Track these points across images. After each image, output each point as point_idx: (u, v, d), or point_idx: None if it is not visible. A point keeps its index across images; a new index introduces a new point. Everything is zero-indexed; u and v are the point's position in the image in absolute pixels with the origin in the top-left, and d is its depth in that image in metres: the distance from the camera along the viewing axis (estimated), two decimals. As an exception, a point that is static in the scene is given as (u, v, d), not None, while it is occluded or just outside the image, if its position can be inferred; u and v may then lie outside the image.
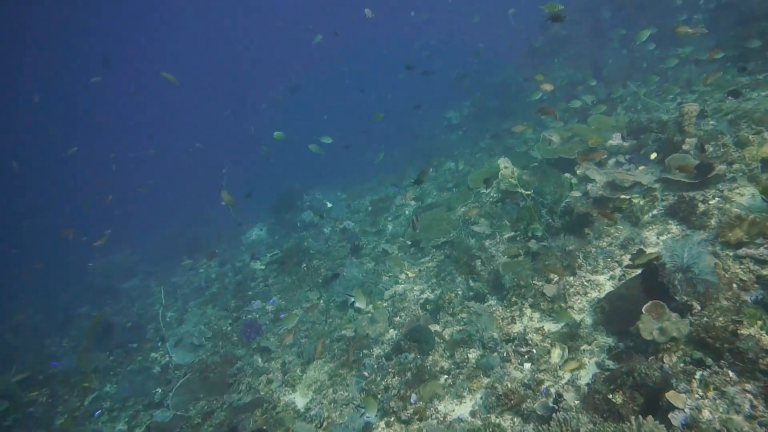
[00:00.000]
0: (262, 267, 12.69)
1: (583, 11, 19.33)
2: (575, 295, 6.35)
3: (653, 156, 7.88)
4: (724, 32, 12.85)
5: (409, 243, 10.79)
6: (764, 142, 6.67)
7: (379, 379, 6.55)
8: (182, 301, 12.79)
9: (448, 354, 6.57)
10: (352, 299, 7.83)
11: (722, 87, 9.81)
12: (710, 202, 6.33)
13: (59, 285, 18.08)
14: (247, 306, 10.68)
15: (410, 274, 9.62)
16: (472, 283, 7.87)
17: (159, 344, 10.36)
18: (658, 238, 6.46)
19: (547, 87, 9.36)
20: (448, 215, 10.85)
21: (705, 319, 4.39)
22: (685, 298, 4.69)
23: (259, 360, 8.52)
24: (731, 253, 5.23)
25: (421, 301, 8.32)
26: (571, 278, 6.62)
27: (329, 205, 17.32)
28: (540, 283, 6.77)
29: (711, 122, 8.17)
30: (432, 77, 15.76)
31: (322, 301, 9.72)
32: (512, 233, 8.56)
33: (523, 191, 9.35)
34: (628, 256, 6.41)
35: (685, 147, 7.19)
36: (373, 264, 10.69)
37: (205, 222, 22.44)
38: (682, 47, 12.80)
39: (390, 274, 9.81)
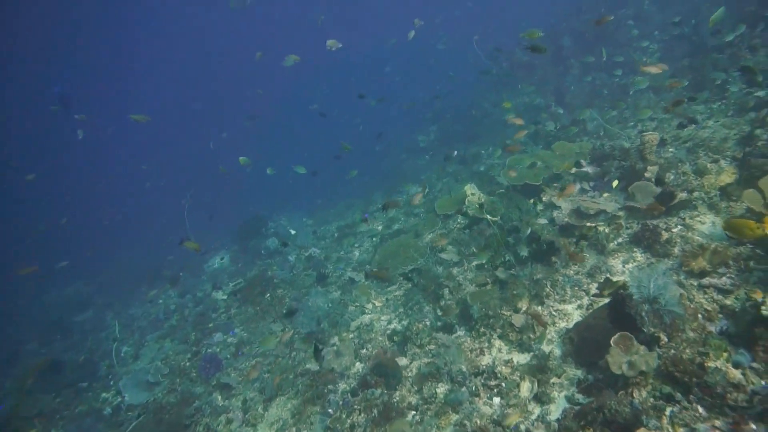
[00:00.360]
0: (224, 297, 12.31)
1: (544, 39, 19.82)
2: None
3: (615, 184, 8.00)
4: (677, 61, 13.37)
5: (376, 269, 10.64)
6: (722, 171, 6.84)
7: (344, 416, 6.31)
8: (139, 334, 12.25)
9: (416, 389, 6.41)
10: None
11: (679, 115, 10.12)
12: (673, 230, 6.42)
13: (4, 319, 17.14)
14: (207, 339, 10.29)
15: (377, 304, 9.45)
16: (440, 313, 7.76)
17: (111, 383, 9.84)
18: (624, 266, 6.50)
19: (518, 122, 9.60)
20: (415, 242, 10.76)
21: (672, 351, 4.38)
22: (653, 329, 4.67)
23: (219, 398, 8.16)
24: (695, 283, 5.28)
25: (389, 332, 8.15)
26: (540, 308, 6.59)
27: (293, 232, 17.06)
28: (508, 313, 6.71)
29: (670, 149, 8.37)
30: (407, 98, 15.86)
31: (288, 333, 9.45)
32: (480, 261, 8.54)
33: (490, 218, 9.37)
34: (595, 285, 6.42)
35: (647, 174, 7.32)
36: (340, 293, 10.48)
37: (167, 249, 21.81)
38: (642, 75, 13.23)
39: (356, 304, 9.62)
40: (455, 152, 6.49)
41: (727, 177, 6.66)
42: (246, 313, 10.96)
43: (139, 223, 31.60)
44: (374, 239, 13.33)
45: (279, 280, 12.01)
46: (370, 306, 9.42)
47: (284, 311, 10.14)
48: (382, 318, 8.82)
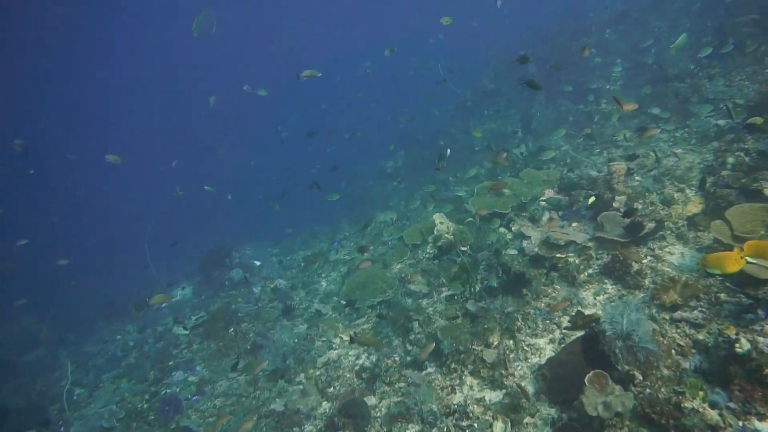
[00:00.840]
0: (186, 332, 11.82)
1: (509, 65, 20.29)
2: (516, 361, 6.16)
3: (591, 200, 8.04)
4: (639, 89, 13.75)
5: (344, 303, 10.41)
6: (688, 201, 6.92)
7: (311, 463, 6.02)
8: (94, 373, 11.62)
9: (385, 430, 6.16)
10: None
11: (645, 144, 10.32)
12: (643, 261, 6.41)
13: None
14: (167, 378, 9.81)
15: (345, 338, 9.18)
16: (409, 347, 7.57)
17: (62, 429, 9.23)
18: (595, 298, 6.45)
19: (501, 160, 9.63)
20: (384, 272, 10.58)
21: (648, 390, 4.28)
22: (627, 367, 4.57)
23: (178, 443, 7.73)
24: (667, 317, 5.23)
25: (357, 368, 7.89)
26: (511, 342, 6.46)
27: (258, 263, 16.66)
28: (479, 348, 6.56)
29: (637, 178, 8.47)
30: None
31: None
32: (450, 292, 8.42)
33: (459, 248, 9.29)
34: (567, 318, 6.34)
35: (615, 204, 7.35)
36: (306, 326, 10.20)
37: (130, 281, 21.04)
38: (607, 102, 13.55)
39: (323, 339, 9.33)
40: (448, 150, 6.32)
41: (694, 207, 6.73)
42: (208, 349, 10.54)
43: (101, 253, 30.57)
44: (342, 269, 13.13)
45: (243, 314, 11.64)
46: (337, 341, 9.15)
47: (255, 340, 9.82)
48: (350, 353, 8.56)
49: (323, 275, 13.17)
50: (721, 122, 9.80)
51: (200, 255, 16.72)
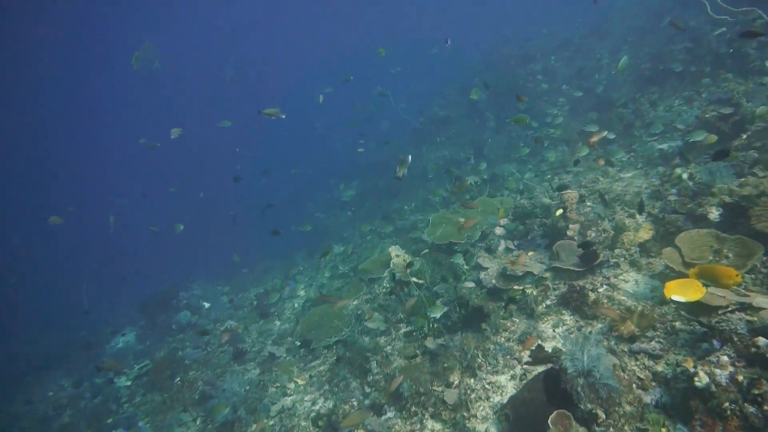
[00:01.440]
0: (128, 383, 11.17)
1: (459, 92, 20.74)
2: (477, 401, 6.05)
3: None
4: (584, 114, 14.27)
5: (299, 344, 10.10)
6: (639, 227, 7.09)
7: None
8: (21, 439, 10.79)
9: (345, 484, 5.90)
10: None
11: (592, 168, 10.63)
12: (599, 290, 6.49)
13: None
14: (105, 438, 9.20)
15: (300, 382, 8.84)
16: (367, 389, 7.36)
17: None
18: (553, 330, 6.44)
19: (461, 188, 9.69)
20: (339, 310, 10.36)
21: (611, 430, 4.25)
22: (590, 405, 4.53)
23: None
24: (626, 348, 5.26)
25: (313, 414, 7.60)
26: (472, 381, 6.36)
27: (207, 305, 16.07)
28: (440, 389, 6.43)
29: (588, 204, 8.65)
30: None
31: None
32: (408, 328, 8.30)
33: (416, 281, 9.21)
34: (527, 352, 6.30)
35: (569, 233, 7.46)
36: (258, 371, 9.82)
37: (68, 326, 19.84)
38: (554, 128, 13.94)
39: (277, 384, 8.99)
40: (409, 157, 6.20)
41: (645, 233, 6.89)
42: (152, 401, 9.97)
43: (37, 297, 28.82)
44: (296, 306, 12.83)
45: (191, 361, 11.13)
46: (292, 385, 8.82)
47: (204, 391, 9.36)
48: (306, 398, 8.25)
49: (276, 314, 12.82)
50: (664, 146, 10.21)
51: (144, 297, 16.00)
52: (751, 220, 5.49)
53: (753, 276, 5.33)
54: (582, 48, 20.13)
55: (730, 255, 5.51)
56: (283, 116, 9.91)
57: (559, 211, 8.18)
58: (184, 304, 15.37)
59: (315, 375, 8.81)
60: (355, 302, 10.44)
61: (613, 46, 18.49)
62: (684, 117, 9.97)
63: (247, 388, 8.85)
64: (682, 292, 4.59)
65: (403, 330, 8.48)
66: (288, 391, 8.63)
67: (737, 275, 4.12)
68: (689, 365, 4.20)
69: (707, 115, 8.74)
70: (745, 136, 8.18)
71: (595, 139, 8.45)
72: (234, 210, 19.08)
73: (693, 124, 9.18)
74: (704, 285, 4.66)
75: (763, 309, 4.24)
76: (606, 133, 8.90)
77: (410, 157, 6.89)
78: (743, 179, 6.69)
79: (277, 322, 12.24)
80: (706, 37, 12.53)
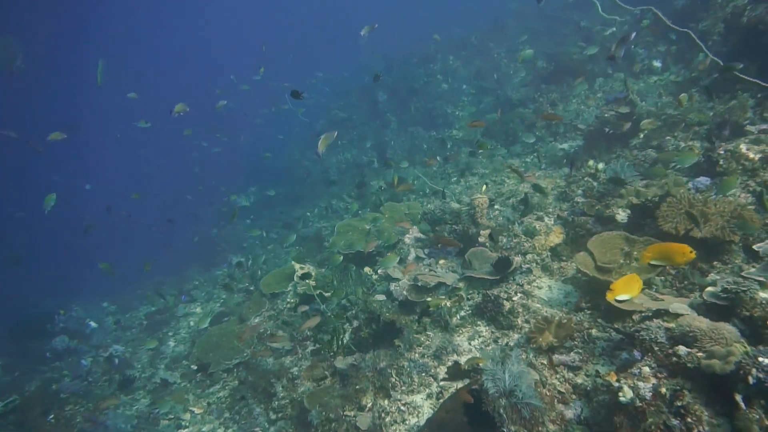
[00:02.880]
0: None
1: (360, 94, 20.58)
2: (393, 424, 5.76)
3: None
4: (484, 115, 14.56)
5: (195, 368, 9.34)
6: (550, 231, 7.16)
7: None
8: None
9: None
10: None
11: (498, 170, 10.79)
12: (514, 299, 6.43)
13: None
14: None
15: (197, 411, 8.12)
16: (273, 416, 6.88)
17: None
18: (470, 343, 6.31)
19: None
20: (240, 328, 9.72)
21: (538, 453, 4.10)
22: (513, 428, 4.37)
23: None
24: (545, 361, 5.19)
25: (213, 450, 6.97)
26: (386, 402, 6.06)
27: (93, 325, 14.60)
28: (352, 413, 6.07)
29: (497, 207, 8.69)
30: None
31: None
32: (315, 346, 7.88)
33: (323, 294, 8.81)
34: (444, 368, 6.10)
35: (481, 239, 7.39)
36: (149, 401, 8.96)
37: None
38: (456, 129, 14.12)
39: (171, 416, 8.21)
40: (335, 133, 5.68)
41: (556, 237, 6.96)
42: (19, 448, 8.75)
43: None
44: (192, 324, 11.97)
45: (68, 394, 9.93)
46: (188, 416, 8.09)
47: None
48: (204, 429, 7.59)
49: (170, 334, 11.88)
50: (565, 146, 10.56)
51: (14, 321, 14.23)
52: (658, 221, 5.63)
53: (663, 278, 5.47)
54: (480, 48, 20.69)
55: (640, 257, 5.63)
56: (188, 109, 9.57)
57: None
58: (61, 328, 13.82)
59: (214, 402, 8.18)
60: (257, 320, 9.86)
61: (509, 46, 19.16)
62: (584, 116, 10.38)
63: (135, 422, 8.00)
64: (626, 290, 4.59)
65: (310, 348, 8.04)
66: (183, 423, 7.91)
67: (690, 252, 4.13)
68: (613, 379, 4.14)
69: (606, 115, 9.09)
70: (642, 135, 8.58)
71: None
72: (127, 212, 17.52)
73: (593, 124, 9.53)
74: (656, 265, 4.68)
75: (681, 315, 4.28)
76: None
77: (336, 133, 6.46)
78: (647, 179, 6.95)
79: (171, 343, 11.33)
80: (597, 37, 13.22)
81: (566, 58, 13.53)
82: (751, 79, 6.71)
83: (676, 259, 4.26)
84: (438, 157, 12.16)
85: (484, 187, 9.29)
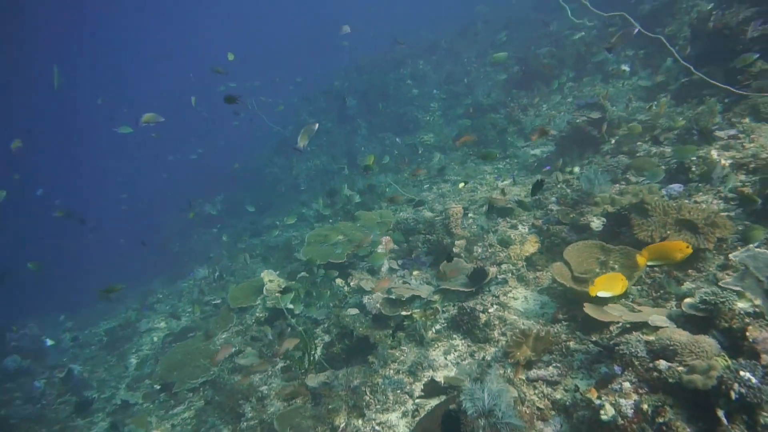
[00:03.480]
0: None
1: (330, 99, 20.41)
2: (368, 445, 5.61)
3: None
4: (456, 121, 14.58)
5: (158, 387, 9.03)
6: (525, 240, 7.11)
7: None
8: None
9: None
10: None
11: (470, 176, 10.74)
12: (490, 311, 6.35)
13: None
14: None
15: (162, 435, 7.87)
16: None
17: None
18: (445, 357, 6.19)
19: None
20: (206, 345, 9.45)
21: (519, 475, 4.00)
22: (493, 449, 4.27)
23: None
24: (523, 377, 5.10)
25: (177, 480, 6.71)
26: (360, 422, 5.90)
27: (49, 342, 14.06)
28: (326, 435, 5.90)
29: (470, 215, 8.62)
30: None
31: None
32: (285, 363, 7.68)
33: (292, 308, 8.63)
34: (420, 385, 5.97)
35: (456, 250, 7.31)
36: (108, 424, 8.62)
37: None
38: (426, 134, 14.08)
39: (131, 441, 7.91)
40: (316, 125, 5.28)
41: (531, 246, 6.92)
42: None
43: None
44: (155, 339, 11.63)
45: (19, 419, 9.51)
46: (150, 441, 7.81)
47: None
48: (167, 455, 7.34)
49: (133, 351, 11.52)
50: (537, 152, 10.59)
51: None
52: (633, 229, 5.62)
53: (639, 288, 5.45)
54: (450, 52, 20.76)
55: (616, 266, 5.60)
56: (162, 119, 9.00)
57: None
58: (13, 347, 13.27)
59: (178, 424, 7.89)
60: (224, 335, 9.60)
61: (479, 50, 19.27)
62: (556, 122, 10.42)
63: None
64: (608, 287, 4.55)
65: (280, 365, 7.83)
66: (144, 451, 7.62)
67: (687, 247, 4.10)
68: (593, 396, 4.07)
69: (578, 120, 9.13)
70: (613, 141, 8.63)
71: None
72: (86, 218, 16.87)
73: (565, 129, 9.57)
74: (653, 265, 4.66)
75: (661, 327, 4.24)
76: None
77: (317, 125, 6.26)
78: (623, 186, 6.96)
79: (133, 361, 10.98)
80: (567, 40, 13.35)
81: (536, 62, 13.62)
82: (721, 85, 6.78)
83: (674, 257, 4.25)
84: (423, 169, 11.99)
85: (462, 184, 9.27)
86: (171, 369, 9.04)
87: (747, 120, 7.18)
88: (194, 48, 58.08)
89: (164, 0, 50.64)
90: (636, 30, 5.98)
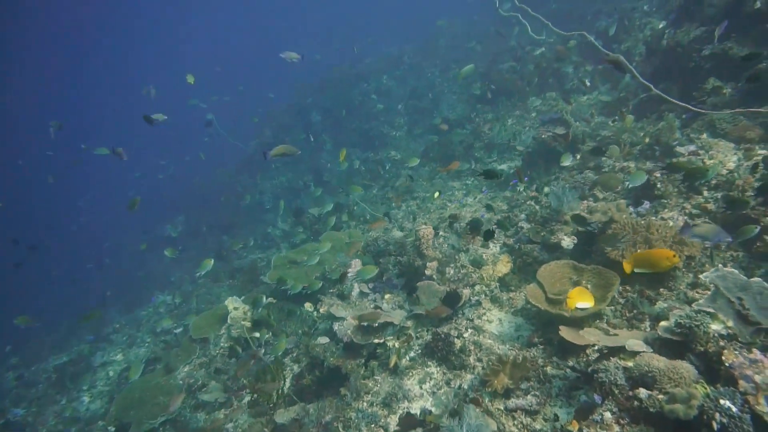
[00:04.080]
0: None
1: (294, 115, 20.22)
2: (344, 482, 5.43)
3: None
4: (421, 137, 14.59)
5: (113, 429, 8.50)
6: (498, 260, 7.07)
7: None
8: None
9: None
10: None
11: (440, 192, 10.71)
12: (465, 335, 6.25)
13: None
14: None
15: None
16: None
17: None
18: (421, 387, 6.05)
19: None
20: (167, 381, 8.95)
21: None
22: (475, 485, 4.16)
23: None
24: (502, 406, 5.00)
25: None
26: (335, 457, 5.71)
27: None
28: (300, 475, 5.69)
29: (441, 233, 8.54)
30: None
31: None
32: (253, 396, 7.41)
33: (257, 336, 8.40)
34: (395, 418, 5.81)
35: (428, 272, 7.20)
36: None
37: None
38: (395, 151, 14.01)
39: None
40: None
41: (503, 266, 6.88)
42: None
43: None
44: (110, 374, 11.10)
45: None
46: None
47: None
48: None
49: (85, 388, 10.93)
50: (504, 167, 10.63)
51: None
52: (604, 249, 5.62)
53: (612, 308, 5.45)
54: (413, 66, 20.83)
55: (589, 286, 5.58)
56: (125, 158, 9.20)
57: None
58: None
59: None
60: (186, 369, 9.19)
61: (442, 65, 19.37)
62: (522, 138, 10.48)
63: None
64: (584, 299, 4.53)
65: (246, 399, 7.53)
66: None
67: (674, 255, 4.08)
68: (575, 428, 4.01)
69: (543, 136, 9.20)
70: (579, 156, 8.70)
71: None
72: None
73: (531, 144, 9.63)
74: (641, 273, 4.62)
75: (639, 353, 4.21)
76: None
77: (299, 152, 6.12)
78: (590, 203, 6.98)
79: (86, 399, 10.43)
80: (529, 56, 13.52)
81: (499, 77, 13.73)
82: (680, 103, 6.89)
83: (661, 264, 4.25)
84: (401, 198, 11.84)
85: (437, 194, 9.20)
86: (127, 408, 8.43)
87: (705, 135, 7.32)
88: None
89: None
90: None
